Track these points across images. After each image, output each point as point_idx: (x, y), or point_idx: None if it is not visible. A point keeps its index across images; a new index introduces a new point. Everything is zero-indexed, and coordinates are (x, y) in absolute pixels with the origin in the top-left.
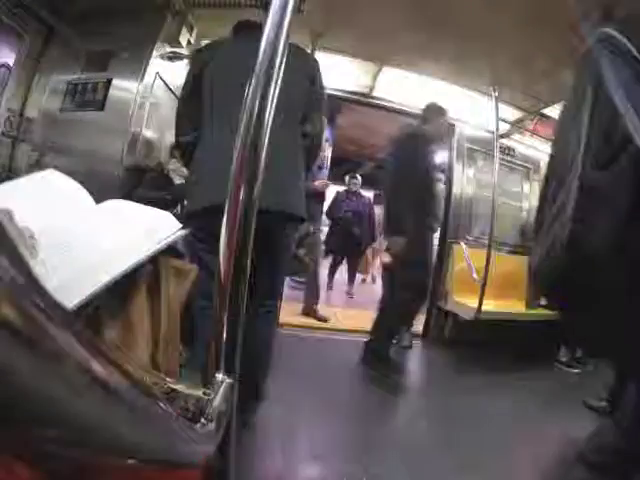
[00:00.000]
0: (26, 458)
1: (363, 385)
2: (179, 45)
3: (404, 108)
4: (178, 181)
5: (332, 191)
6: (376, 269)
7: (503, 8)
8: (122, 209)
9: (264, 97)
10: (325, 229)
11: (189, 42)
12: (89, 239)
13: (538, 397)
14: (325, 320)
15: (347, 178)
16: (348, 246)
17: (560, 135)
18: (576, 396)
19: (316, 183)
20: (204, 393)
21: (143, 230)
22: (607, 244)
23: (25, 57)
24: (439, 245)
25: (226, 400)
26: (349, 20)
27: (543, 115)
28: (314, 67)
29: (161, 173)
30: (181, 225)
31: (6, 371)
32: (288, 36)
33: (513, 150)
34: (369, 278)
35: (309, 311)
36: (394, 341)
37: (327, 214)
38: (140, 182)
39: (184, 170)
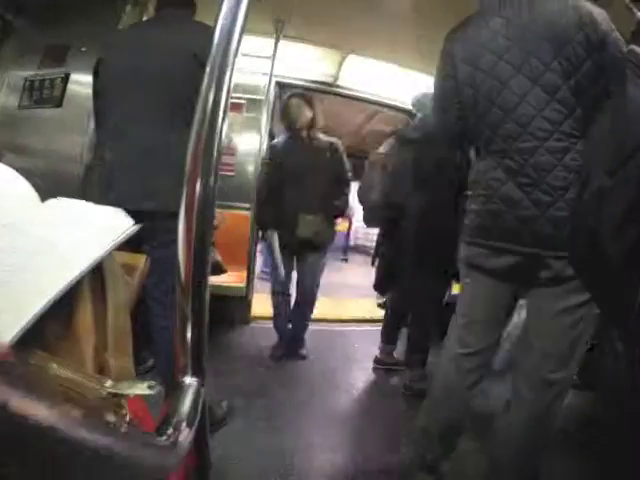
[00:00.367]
0: None
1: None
2: None
3: (369, 96)
4: None
5: None
6: None
7: None
8: (71, 207)
9: (219, 88)
10: None
11: None
12: (32, 241)
13: None
14: None
15: None
16: None
17: None
18: None
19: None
20: (149, 387)
21: (94, 230)
22: None
23: None
24: None
25: (195, 405)
26: (308, 6)
27: None
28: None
29: None
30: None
31: None
32: (244, 24)
33: None
34: None
35: None
36: None
37: None
38: None
39: None
